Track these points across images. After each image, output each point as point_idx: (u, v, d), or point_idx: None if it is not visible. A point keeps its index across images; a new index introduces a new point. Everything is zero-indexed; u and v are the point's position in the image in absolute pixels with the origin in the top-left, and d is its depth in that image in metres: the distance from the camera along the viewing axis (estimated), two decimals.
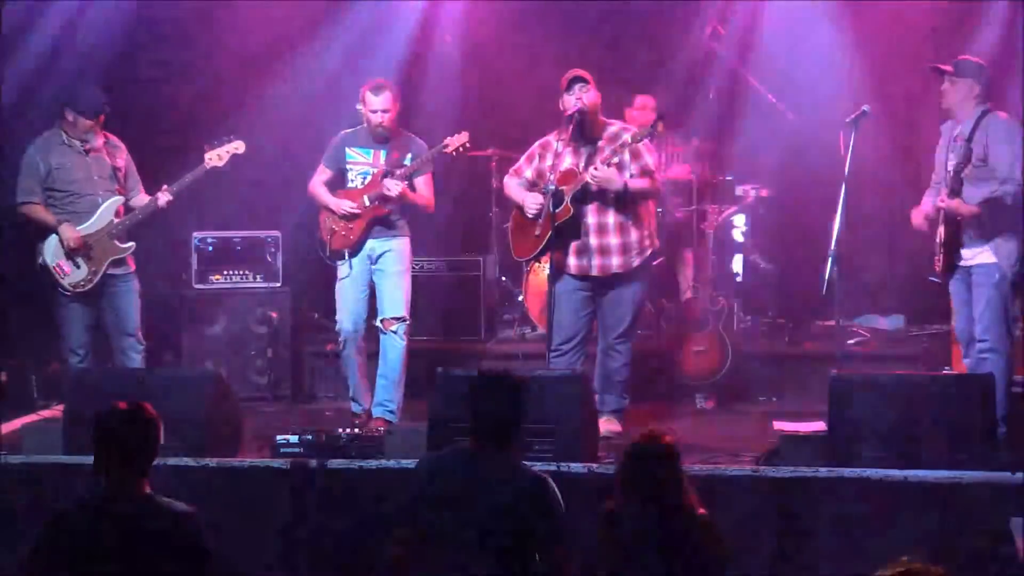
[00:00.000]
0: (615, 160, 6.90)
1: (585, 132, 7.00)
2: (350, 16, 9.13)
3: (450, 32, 9.47)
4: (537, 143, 7.24)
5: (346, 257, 7.49)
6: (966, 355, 6.67)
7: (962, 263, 6.56)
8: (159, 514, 4.18)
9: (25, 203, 7.38)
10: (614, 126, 7.13)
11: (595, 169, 6.84)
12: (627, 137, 6.92)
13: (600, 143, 7.02)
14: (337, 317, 7.59)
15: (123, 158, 7.49)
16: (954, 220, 6.48)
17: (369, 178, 7.47)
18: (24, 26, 8.29)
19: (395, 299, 7.46)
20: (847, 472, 5.81)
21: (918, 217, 6.72)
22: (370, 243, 7.49)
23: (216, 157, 7.37)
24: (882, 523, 5.66)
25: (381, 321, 7.48)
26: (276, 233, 8.73)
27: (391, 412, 7.41)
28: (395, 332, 7.43)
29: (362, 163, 7.52)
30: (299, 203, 8.06)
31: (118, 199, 7.37)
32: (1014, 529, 5.39)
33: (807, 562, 5.68)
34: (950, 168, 6.54)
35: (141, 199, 7.47)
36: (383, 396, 7.45)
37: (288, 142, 8.87)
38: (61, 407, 7.04)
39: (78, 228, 7.30)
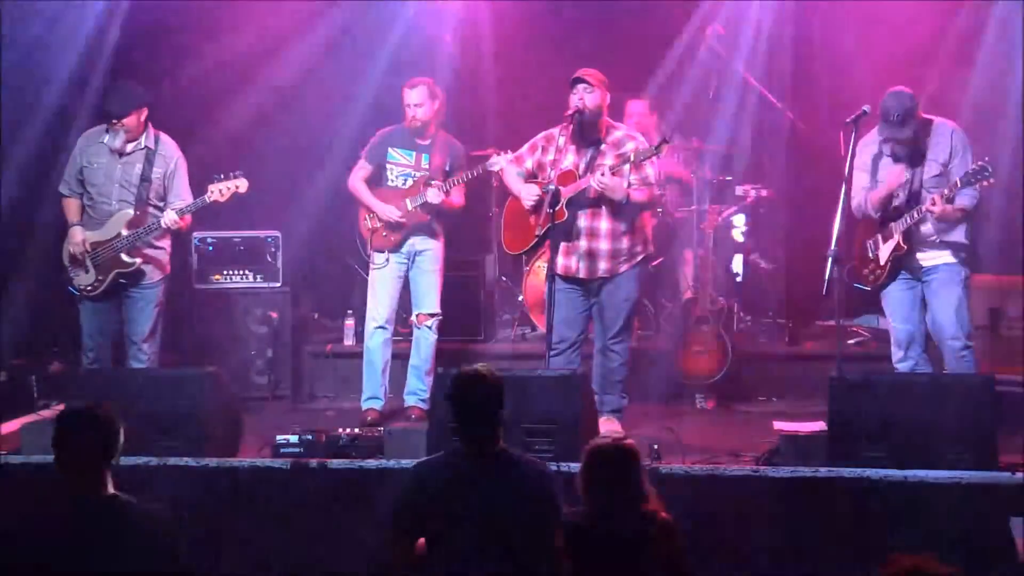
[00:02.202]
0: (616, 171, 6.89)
1: (586, 133, 6.99)
2: (350, 16, 9.12)
3: (450, 32, 9.46)
4: (542, 134, 7.22)
5: (385, 253, 7.68)
6: (906, 357, 6.75)
7: (917, 267, 6.72)
8: (126, 513, 4.13)
9: (61, 193, 7.41)
10: (619, 131, 7.11)
11: (602, 175, 6.82)
12: (630, 152, 6.88)
13: (603, 146, 7.01)
14: (369, 305, 7.76)
15: (167, 167, 7.34)
16: (914, 227, 6.63)
17: (411, 182, 7.64)
18: (23, 26, 8.32)
19: (430, 296, 7.75)
20: (847, 472, 5.81)
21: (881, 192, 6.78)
22: (409, 241, 7.69)
23: (218, 192, 7.27)
24: (882, 523, 5.66)
25: (416, 316, 7.75)
26: (276, 233, 8.72)
27: (423, 400, 7.65)
28: (429, 327, 7.72)
29: (403, 164, 7.70)
30: (299, 203, 8.06)
31: (128, 212, 7.24)
32: (1014, 529, 5.39)
33: (807, 562, 5.68)
34: (899, 177, 6.69)
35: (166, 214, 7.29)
36: (416, 385, 7.75)
37: (288, 142, 8.86)
38: (61, 407, 7.03)
39: (89, 233, 7.26)
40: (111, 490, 4.18)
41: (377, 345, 7.73)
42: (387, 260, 7.68)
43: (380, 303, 7.72)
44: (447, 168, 7.64)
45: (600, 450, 4.52)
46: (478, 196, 9.58)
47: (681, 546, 4.45)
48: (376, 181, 7.72)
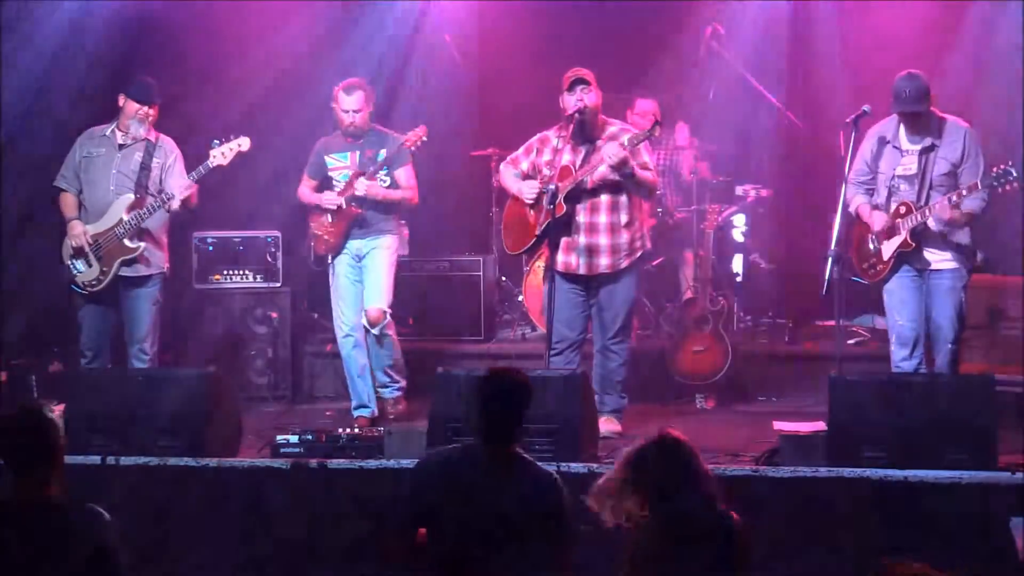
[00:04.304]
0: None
1: (585, 132, 7.00)
2: (350, 16, 9.14)
3: (450, 32, 9.47)
4: (537, 136, 7.24)
5: (329, 260, 7.60)
6: (911, 356, 6.72)
7: (921, 267, 6.69)
8: (60, 516, 4.11)
9: (56, 187, 7.40)
10: (614, 126, 7.13)
11: (609, 149, 6.81)
12: (624, 139, 6.91)
13: (598, 143, 7.02)
14: (334, 317, 7.70)
15: (165, 159, 7.35)
16: (922, 227, 6.58)
17: (348, 179, 7.55)
18: (25, 27, 8.33)
19: (377, 291, 7.57)
20: (847, 472, 5.81)
21: (882, 222, 6.73)
22: (356, 243, 7.59)
23: (220, 155, 7.25)
24: (882, 523, 5.66)
25: (364, 312, 7.56)
26: (276, 233, 8.72)
27: (399, 389, 7.63)
28: (378, 334, 7.55)
29: (341, 167, 7.63)
30: (299, 203, 8.05)
31: (128, 197, 7.24)
32: (1014, 529, 5.38)
33: (807, 562, 5.67)
34: (905, 173, 6.64)
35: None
36: (385, 379, 7.66)
37: (288, 142, 8.85)
38: (61, 407, 7.04)
39: (88, 226, 7.27)
40: (51, 492, 4.15)
41: (349, 353, 7.65)
42: (333, 269, 7.59)
43: (343, 311, 7.64)
44: (379, 159, 7.52)
45: (650, 447, 4.39)
46: (478, 196, 9.62)
47: (749, 550, 4.37)
48: (325, 191, 7.66)
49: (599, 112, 7.05)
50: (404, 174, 7.58)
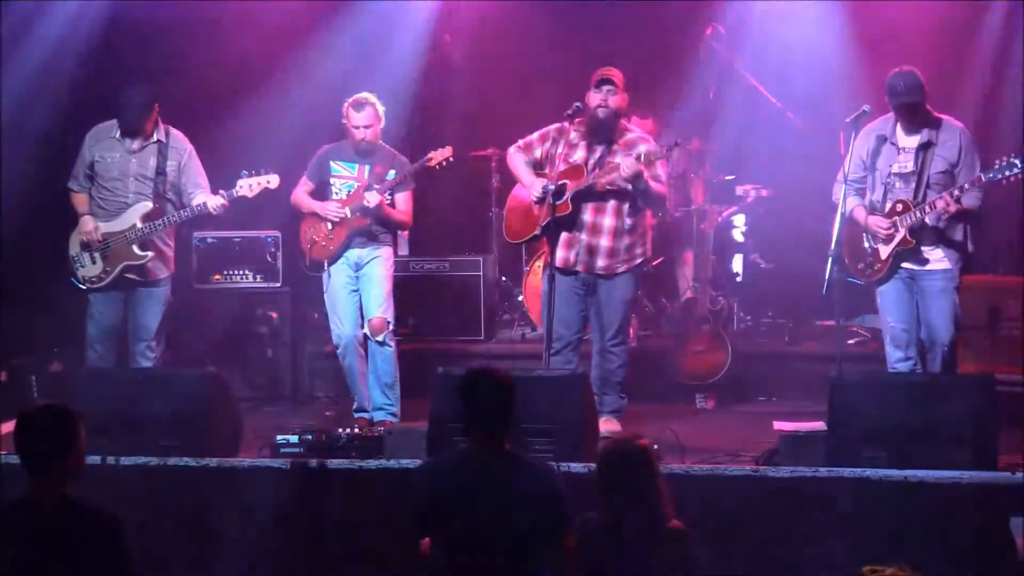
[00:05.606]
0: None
1: (602, 132, 7.00)
2: (351, 17, 9.13)
3: (450, 32, 9.46)
4: (555, 126, 7.19)
5: (325, 267, 7.55)
6: (906, 357, 6.70)
7: (914, 267, 6.65)
8: (73, 516, 4.12)
9: (68, 188, 7.43)
10: (632, 133, 7.14)
11: (624, 162, 6.81)
12: (641, 150, 6.90)
13: (615, 146, 7.01)
14: (331, 327, 7.66)
15: (180, 158, 7.37)
16: (920, 224, 6.55)
17: (352, 191, 7.52)
18: (24, 28, 8.34)
19: (378, 300, 7.52)
20: (847, 472, 5.81)
21: (882, 225, 6.67)
22: (355, 252, 7.55)
23: (247, 187, 7.29)
24: (882, 523, 5.66)
25: (367, 324, 7.53)
26: (276, 233, 8.72)
27: (393, 414, 7.50)
28: (381, 341, 7.51)
29: (346, 176, 7.58)
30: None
31: (146, 204, 7.26)
32: (1014, 529, 5.39)
33: (806, 562, 5.68)
34: (901, 171, 6.61)
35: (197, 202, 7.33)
36: (381, 400, 7.54)
37: (289, 142, 8.86)
38: None
39: (101, 222, 7.27)
40: (66, 492, 4.17)
41: (350, 363, 7.60)
42: (329, 276, 7.53)
43: (340, 321, 7.57)
44: (388, 178, 7.48)
45: (614, 450, 4.45)
46: (478, 196, 9.62)
47: (694, 555, 4.40)
48: (321, 197, 7.60)
49: (620, 115, 7.05)
50: (404, 199, 7.57)
